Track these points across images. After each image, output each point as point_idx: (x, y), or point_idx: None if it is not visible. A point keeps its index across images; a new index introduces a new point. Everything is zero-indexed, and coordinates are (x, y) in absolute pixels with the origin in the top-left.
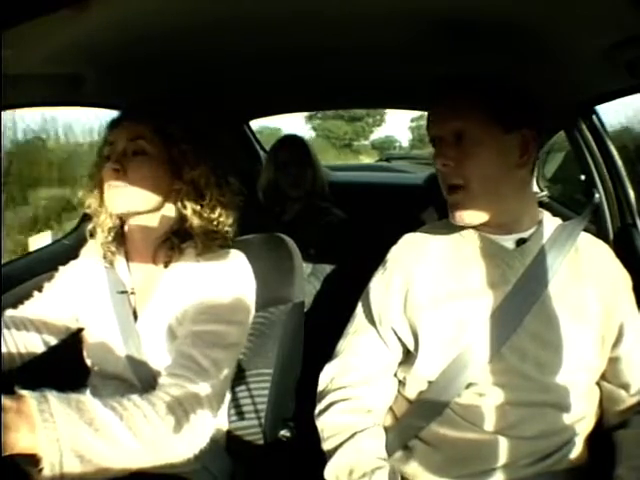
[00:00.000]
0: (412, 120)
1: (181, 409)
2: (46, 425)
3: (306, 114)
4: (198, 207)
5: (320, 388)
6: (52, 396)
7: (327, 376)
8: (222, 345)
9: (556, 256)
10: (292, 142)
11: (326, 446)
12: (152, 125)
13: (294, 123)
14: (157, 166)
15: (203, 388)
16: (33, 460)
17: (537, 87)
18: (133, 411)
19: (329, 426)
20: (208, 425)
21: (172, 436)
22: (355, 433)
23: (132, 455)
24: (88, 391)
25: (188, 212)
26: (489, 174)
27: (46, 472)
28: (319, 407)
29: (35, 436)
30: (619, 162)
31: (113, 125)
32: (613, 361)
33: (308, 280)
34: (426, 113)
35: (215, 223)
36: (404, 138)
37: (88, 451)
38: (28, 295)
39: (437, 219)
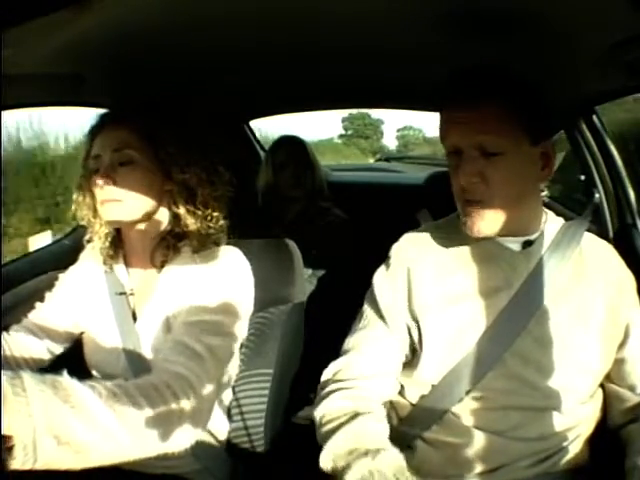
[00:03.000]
0: (397, 130)
1: (170, 392)
2: (18, 400)
3: (337, 134)
4: (191, 206)
5: (322, 380)
6: (26, 374)
7: (330, 371)
8: (216, 332)
9: (560, 258)
10: (290, 143)
11: (321, 432)
12: (136, 131)
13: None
14: (146, 172)
15: (196, 372)
16: (5, 440)
17: (536, 87)
18: (115, 390)
19: (327, 412)
20: (202, 412)
21: (161, 421)
22: (357, 415)
23: (116, 440)
24: (65, 372)
25: (181, 212)
26: (515, 190)
27: (18, 451)
28: (318, 398)
29: (6, 412)
30: (619, 162)
31: (95, 133)
32: (619, 362)
33: (309, 280)
34: (410, 123)
35: (209, 219)
36: (392, 144)
37: (65, 431)
38: (29, 295)
39: (432, 219)
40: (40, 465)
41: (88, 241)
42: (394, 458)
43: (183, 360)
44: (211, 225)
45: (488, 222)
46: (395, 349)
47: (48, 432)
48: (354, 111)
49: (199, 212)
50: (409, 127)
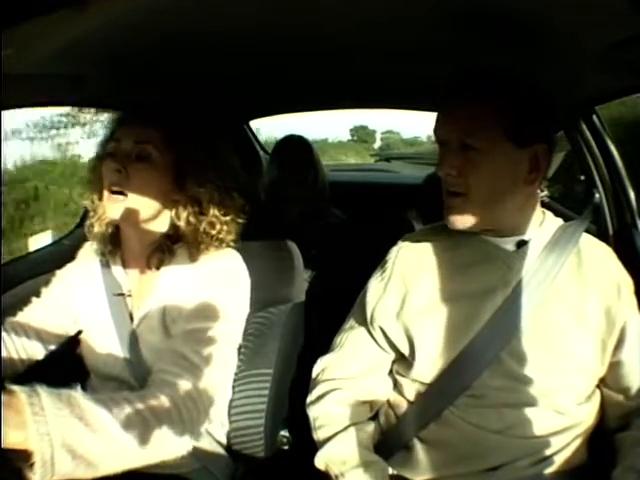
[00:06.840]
0: (382, 133)
1: (173, 404)
2: (36, 419)
3: (347, 138)
4: (194, 220)
5: (313, 377)
6: (42, 390)
7: (320, 367)
8: (214, 341)
9: (557, 258)
10: (295, 142)
11: (318, 435)
12: (162, 132)
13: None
14: (160, 175)
15: (195, 384)
16: (24, 455)
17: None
18: (124, 405)
19: (322, 415)
20: (202, 421)
21: (164, 431)
22: (349, 425)
23: (124, 451)
24: (79, 387)
25: (181, 224)
26: (492, 187)
27: (37, 467)
28: (311, 397)
29: (25, 430)
30: (619, 162)
31: (121, 122)
32: (614, 365)
33: (308, 280)
34: (391, 128)
35: (214, 239)
36: (377, 146)
37: (80, 446)
38: (28, 295)
39: (421, 219)
40: (56, 479)
41: (89, 229)
42: (381, 470)
43: (181, 372)
44: (211, 242)
45: (466, 216)
46: (377, 351)
47: (65, 448)
48: (357, 124)
49: (200, 228)
50: (390, 131)
